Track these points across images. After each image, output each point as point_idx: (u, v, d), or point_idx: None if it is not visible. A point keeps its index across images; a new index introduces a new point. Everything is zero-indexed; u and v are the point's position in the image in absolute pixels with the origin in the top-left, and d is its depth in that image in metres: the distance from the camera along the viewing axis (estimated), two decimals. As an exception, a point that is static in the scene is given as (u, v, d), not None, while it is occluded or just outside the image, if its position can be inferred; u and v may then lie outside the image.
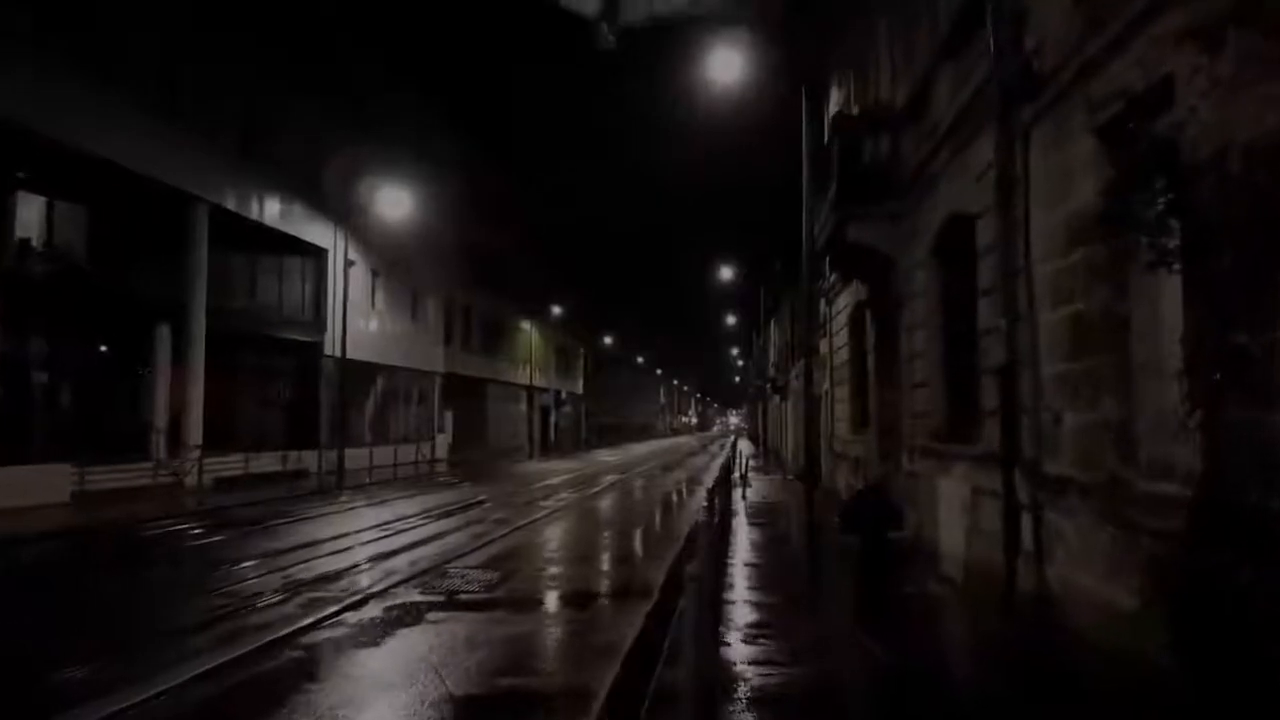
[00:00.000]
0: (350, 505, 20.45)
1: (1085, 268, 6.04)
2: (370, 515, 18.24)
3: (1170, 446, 4.98)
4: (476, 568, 11.61)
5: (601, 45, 8.39)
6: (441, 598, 9.57)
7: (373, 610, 9.01)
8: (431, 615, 8.73)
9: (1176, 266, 4.75)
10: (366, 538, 14.72)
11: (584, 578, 11.26)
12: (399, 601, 9.40)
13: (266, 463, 26.19)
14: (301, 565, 11.73)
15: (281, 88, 28.43)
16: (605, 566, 12.42)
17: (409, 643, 7.73)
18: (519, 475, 32.43)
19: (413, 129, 38.10)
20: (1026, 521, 6.98)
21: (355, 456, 30.74)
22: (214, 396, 26.06)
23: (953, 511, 9.28)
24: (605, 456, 50.09)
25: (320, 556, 12.52)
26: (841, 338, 18.78)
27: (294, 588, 10.18)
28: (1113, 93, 5.38)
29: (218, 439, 25.02)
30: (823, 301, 21.60)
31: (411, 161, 34.77)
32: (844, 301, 18.27)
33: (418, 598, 9.59)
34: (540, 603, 9.57)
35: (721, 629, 7.40)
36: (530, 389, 56.95)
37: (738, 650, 6.81)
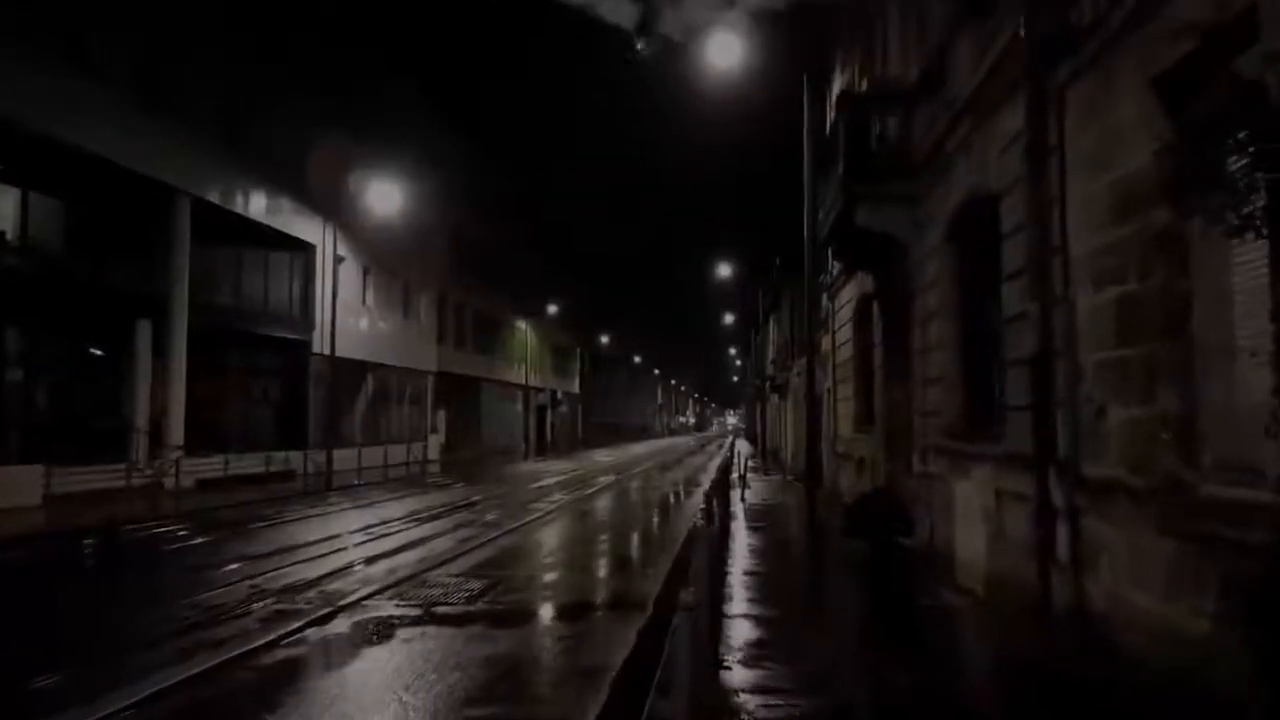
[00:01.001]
0: (335, 508, 19.67)
1: (1137, 241, 5.30)
2: (354, 518, 17.47)
3: (1252, 445, 4.23)
4: (460, 576, 10.85)
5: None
6: (418, 610, 8.80)
7: (340, 625, 8.26)
8: (404, 631, 7.97)
9: (1264, 231, 4.00)
10: (346, 542, 13.95)
11: (573, 587, 10.51)
12: (371, 615, 8.64)
13: (252, 464, 25.39)
14: (272, 573, 10.96)
15: (268, 79, 27.60)
16: (597, 575, 11.66)
17: (375, 664, 6.97)
18: (513, 476, 31.66)
19: (405, 122, 37.33)
20: (1063, 529, 6.24)
21: (345, 457, 29.93)
22: (198, 396, 25.28)
23: (972, 516, 8.53)
24: (602, 457, 49.32)
25: (294, 563, 11.74)
26: (845, 333, 18.03)
27: (259, 598, 9.42)
28: (1177, 29, 4.63)
29: (202, 439, 24.24)
30: (824, 297, 20.85)
31: (403, 155, 33.98)
32: (847, 295, 17.52)
33: (392, 610, 8.83)
34: (525, 616, 8.80)
35: (720, 649, 6.66)
36: (526, 388, 56.18)
37: (738, 675, 6.06)
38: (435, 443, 40.85)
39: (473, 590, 9.89)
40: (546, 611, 9.09)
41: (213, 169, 24.88)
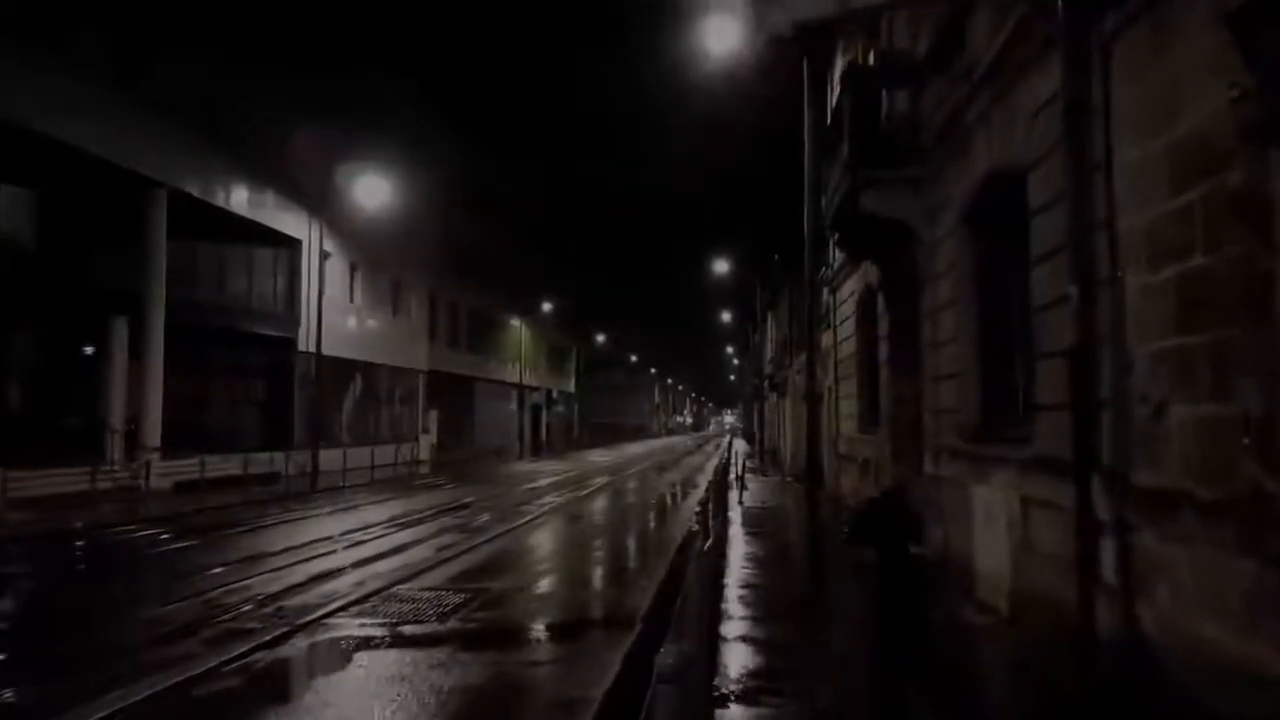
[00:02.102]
0: (314, 512, 18.82)
1: (1205, 208, 4.50)
2: (332, 524, 16.64)
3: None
4: (434, 589, 10.03)
5: None
6: (382, 631, 7.98)
7: (293, 648, 7.44)
8: (362, 656, 7.15)
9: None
10: (319, 550, 13.12)
11: (556, 603, 9.70)
12: (329, 636, 7.83)
13: (234, 465, 24.49)
14: (233, 586, 10.14)
15: (251, 69, 26.69)
16: (583, 587, 10.84)
17: (321, 698, 6.16)
18: (505, 477, 30.84)
19: (395, 115, 36.46)
20: (1109, 545, 5.43)
21: (332, 458, 29.09)
22: (177, 395, 24.47)
23: (994, 526, 7.73)
24: (598, 457, 48.50)
25: (258, 575, 10.91)
26: (847, 328, 17.24)
27: (211, 615, 8.60)
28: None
29: (182, 440, 23.40)
30: (825, 290, 20.05)
31: (393, 149, 33.11)
32: (850, 288, 16.72)
33: (354, 630, 8.00)
34: (500, 637, 7.97)
35: (717, 679, 5.86)
36: (521, 388, 55.34)
37: (735, 716, 5.25)
38: (426, 443, 39.99)
39: (446, 606, 9.06)
40: (525, 630, 8.27)
41: (192, 161, 24.01)
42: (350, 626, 8.16)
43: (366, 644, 7.52)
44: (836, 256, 18.49)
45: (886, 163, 9.94)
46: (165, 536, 14.92)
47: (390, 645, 7.50)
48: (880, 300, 13.18)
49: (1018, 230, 7.51)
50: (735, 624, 7.64)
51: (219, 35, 24.96)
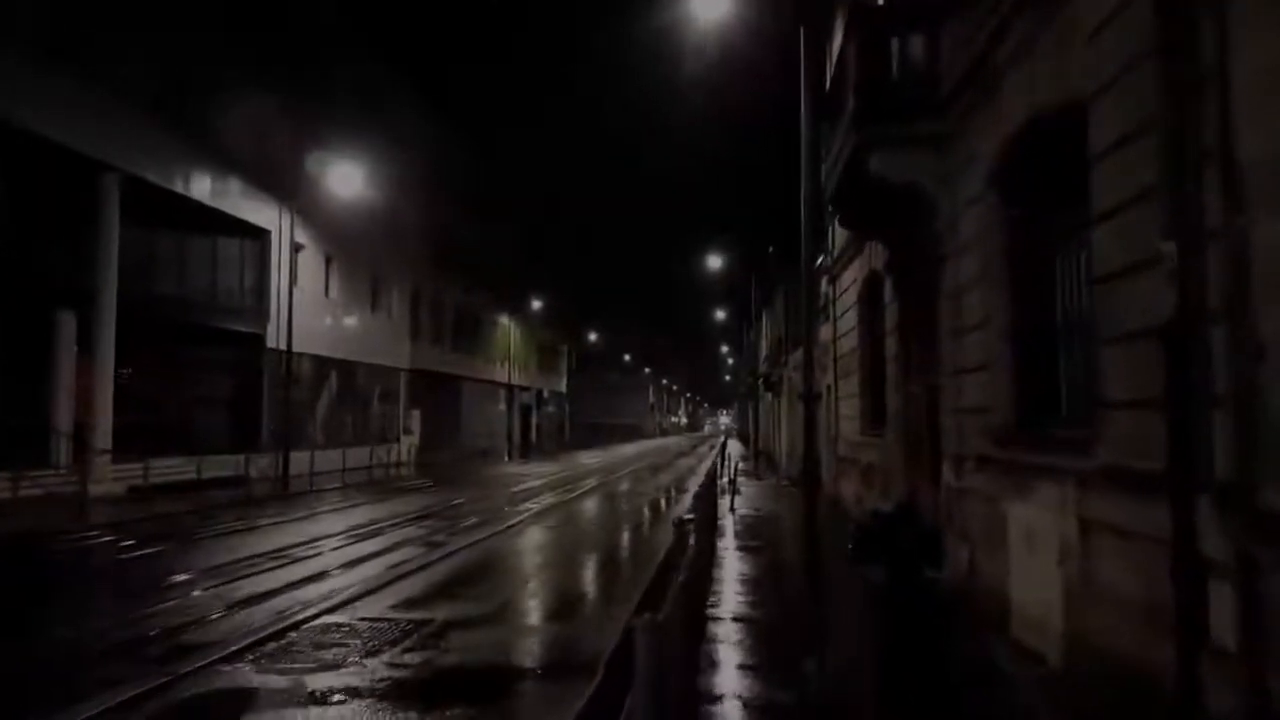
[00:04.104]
0: (273, 519, 17.24)
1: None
2: (285, 533, 15.08)
3: None
4: (371, 619, 8.52)
5: None
6: (284, 682, 6.46)
7: (161, 702, 5.94)
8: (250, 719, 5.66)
9: None
10: (256, 566, 11.58)
11: (507, 640, 8.18)
12: (219, 687, 6.34)
13: (194, 468, 22.97)
14: (132, 616, 8.64)
15: (216, 48, 25.12)
16: (543, 619, 9.32)
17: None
18: (488, 480, 29.33)
19: (375, 102, 34.94)
20: (1223, 592, 3.97)
21: (306, 461, 27.63)
22: (134, 394, 22.95)
23: (1038, 552, 6.26)
24: (589, 458, 47.01)
25: (166, 602, 9.37)
26: (849, 320, 15.78)
27: (88, 658, 7.11)
28: None
29: (142, 441, 21.87)
30: (824, 281, 18.60)
31: (373, 138, 31.63)
32: (851, 276, 15.27)
33: (252, 679, 6.51)
34: (430, 690, 6.47)
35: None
36: (509, 387, 53.81)
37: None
38: (409, 444, 38.48)
39: (376, 643, 7.57)
40: (463, 682, 6.73)
41: (148, 144, 22.40)
42: (246, 672, 6.66)
43: (263, 700, 6.03)
44: (836, 243, 17.06)
45: (899, 118, 8.46)
46: (84, 551, 13.43)
47: (293, 702, 6.00)
48: (887, 286, 11.71)
49: (1066, 186, 6.06)
50: (724, 675, 6.18)
51: (178, 12, 23.39)
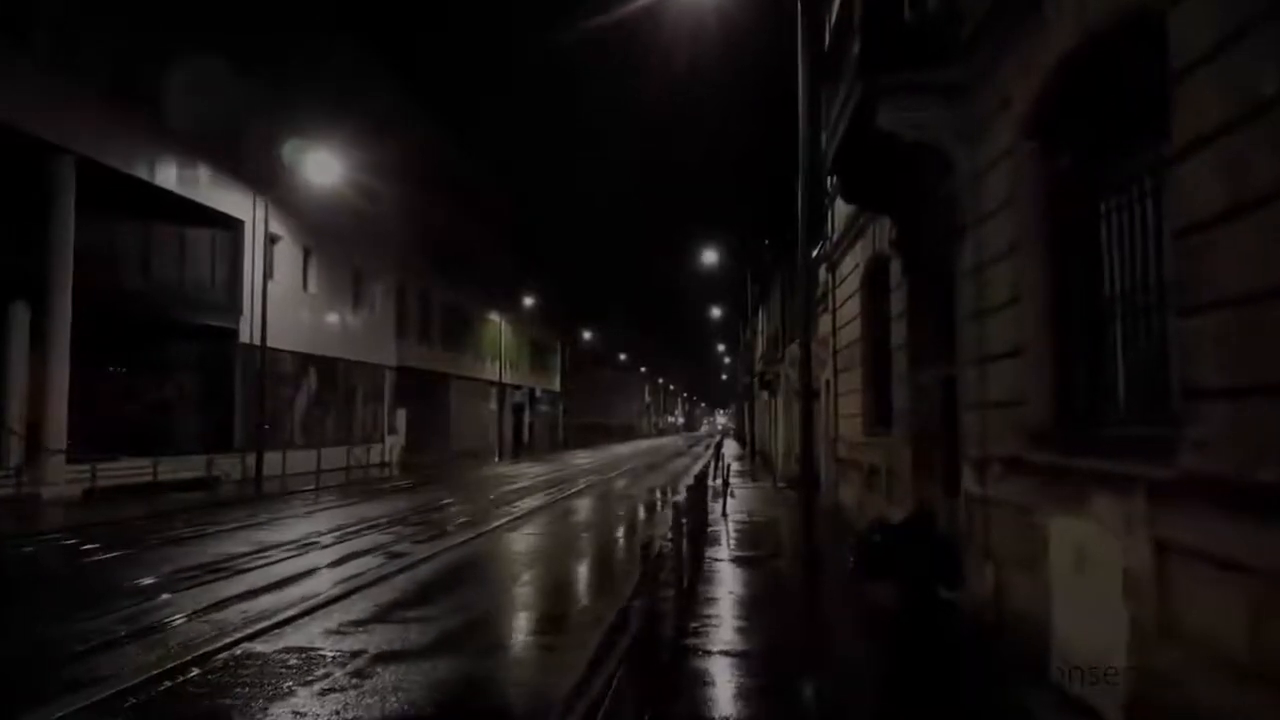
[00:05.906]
0: (232, 524, 15.95)
1: None
2: (237, 540, 13.82)
3: None
4: (300, 649, 7.29)
5: None
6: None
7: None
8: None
9: None
10: (188, 580, 10.30)
11: (451, 674, 6.90)
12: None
13: (165, 469, 21.73)
14: (22, 639, 7.42)
15: (184, 29, 23.79)
16: (499, 646, 8.09)
17: None
18: (475, 482, 28.10)
19: (356, 88, 33.62)
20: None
21: (284, 461, 26.41)
22: (93, 390, 21.65)
23: (1094, 580, 5.05)
24: (582, 459, 45.78)
25: (78, 622, 8.14)
26: (849, 309, 14.59)
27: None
28: None
29: (104, 441, 20.66)
30: (823, 269, 17.43)
31: (354, 127, 30.37)
32: (853, 262, 14.08)
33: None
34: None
35: None
36: (501, 386, 52.54)
37: None
38: (394, 444, 37.19)
39: (289, 686, 6.33)
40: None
41: (108, 127, 21.14)
42: (122, 726, 5.44)
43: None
44: (836, 228, 15.88)
45: (912, 62, 7.24)
46: (10, 560, 12.21)
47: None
48: (895, 267, 10.50)
49: (1127, 123, 4.87)
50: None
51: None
